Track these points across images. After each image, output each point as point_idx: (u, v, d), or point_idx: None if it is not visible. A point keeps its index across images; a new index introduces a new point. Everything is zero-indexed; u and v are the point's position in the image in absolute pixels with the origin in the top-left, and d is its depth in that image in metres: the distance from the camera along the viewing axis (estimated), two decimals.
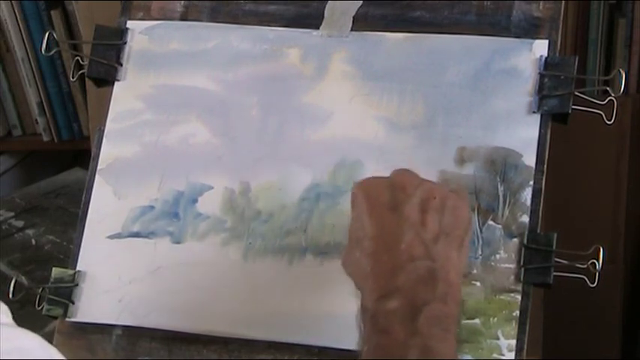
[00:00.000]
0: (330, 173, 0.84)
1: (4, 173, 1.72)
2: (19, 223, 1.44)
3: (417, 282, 0.63)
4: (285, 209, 0.84)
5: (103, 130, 0.90)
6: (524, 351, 0.76)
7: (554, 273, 0.78)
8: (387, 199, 0.67)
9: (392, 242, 0.65)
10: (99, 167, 0.89)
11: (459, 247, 0.68)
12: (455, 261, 0.67)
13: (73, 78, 0.98)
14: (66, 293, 0.85)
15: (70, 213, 1.43)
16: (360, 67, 0.86)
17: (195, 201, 0.86)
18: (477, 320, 0.78)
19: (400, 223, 0.66)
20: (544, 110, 0.82)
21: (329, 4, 0.89)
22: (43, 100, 1.60)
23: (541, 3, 0.85)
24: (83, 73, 0.93)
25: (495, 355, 0.76)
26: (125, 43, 0.91)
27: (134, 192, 0.87)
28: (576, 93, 0.81)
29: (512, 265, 0.79)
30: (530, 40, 0.84)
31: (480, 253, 0.80)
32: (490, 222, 0.80)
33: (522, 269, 0.78)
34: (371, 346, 0.62)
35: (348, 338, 0.78)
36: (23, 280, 1.24)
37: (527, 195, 0.80)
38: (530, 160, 0.81)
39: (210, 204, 0.85)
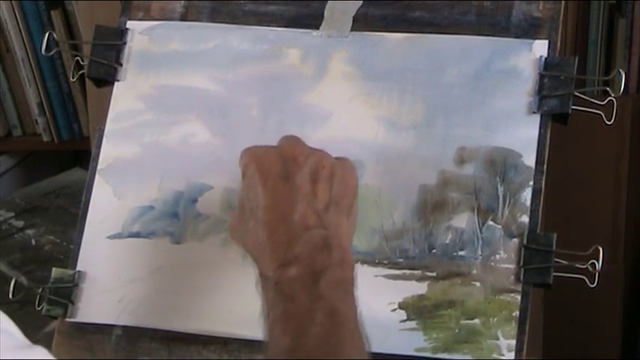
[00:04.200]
0: None
1: (4, 173, 1.72)
2: (19, 223, 1.44)
3: (314, 250, 0.67)
4: None
5: (103, 130, 0.90)
6: (524, 351, 0.76)
7: (554, 273, 0.78)
8: (279, 170, 0.70)
9: (286, 213, 0.68)
10: (99, 167, 0.89)
11: (347, 214, 0.71)
12: (345, 228, 0.70)
13: (73, 78, 0.98)
14: (66, 293, 0.85)
15: (70, 213, 1.43)
16: (360, 67, 0.86)
17: (195, 201, 0.86)
18: (476, 320, 0.78)
19: (293, 194, 0.69)
20: (544, 110, 0.82)
21: (329, 4, 0.89)
22: (43, 100, 1.60)
23: (541, 3, 0.85)
24: (83, 73, 0.93)
25: (495, 356, 0.77)
26: (125, 43, 0.91)
27: (134, 192, 0.87)
28: (576, 93, 0.81)
29: (512, 266, 0.79)
30: (530, 41, 0.84)
31: (479, 253, 0.80)
32: (490, 222, 0.80)
33: (522, 269, 0.78)
34: (278, 313, 0.65)
35: None
36: (23, 280, 1.24)
37: (527, 195, 0.80)
38: (530, 160, 0.81)
39: (210, 204, 0.85)
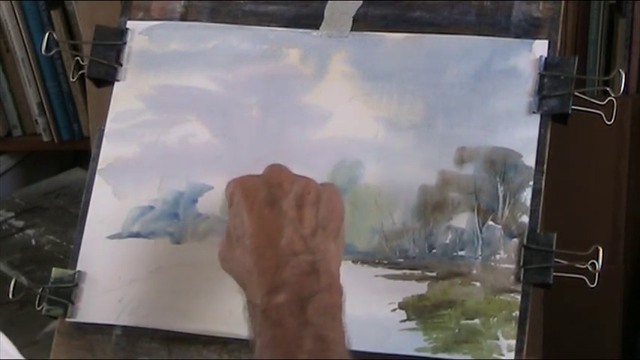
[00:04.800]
0: (330, 173, 0.84)
1: (4, 173, 1.72)
2: (19, 223, 1.44)
3: (301, 275, 0.66)
4: None
5: (103, 130, 0.90)
6: (524, 351, 0.76)
7: (554, 273, 0.78)
8: (265, 196, 0.70)
9: (273, 238, 0.68)
10: (99, 167, 0.89)
11: (335, 238, 0.71)
12: (333, 252, 0.70)
13: (73, 78, 0.98)
14: (66, 293, 0.85)
15: (70, 213, 1.43)
16: (360, 67, 0.86)
17: (195, 201, 0.86)
18: (476, 320, 0.78)
19: (279, 220, 0.68)
20: (544, 110, 0.82)
21: (329, 4, 0.89)
22: (43, 100, 1.60)
23: (541, 3, 0.85)
24: (83, 73, 0.93)
25: (495, 356, 0.77)
26: (125, 43, 0.91)
27: (134, 192, 0.87)
28: (576, 93, 0.81)
29: (512, 266, 0.79)
30: (530, 41, 0.84)
31: (479, 253, 0.80)
32: (490, 222, 0.80)
33: (522, 269, 0.78)
34: (265, 339, 0.65)
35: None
36: (23, 280, 1.24)
37: (527, 195, 0.80)
38: (530, 160, 0.81)
39: (210, 204, 0.85)
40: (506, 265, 0.79)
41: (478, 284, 0.79)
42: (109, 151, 0.89)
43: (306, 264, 0.67)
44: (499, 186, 0.81)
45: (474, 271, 0.79)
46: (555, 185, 0.87)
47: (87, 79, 0.94)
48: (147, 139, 0.89)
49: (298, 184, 0.71)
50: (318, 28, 0.89)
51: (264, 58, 0.89)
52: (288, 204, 0.69)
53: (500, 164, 0.81)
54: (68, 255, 0.88)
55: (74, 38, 1.54)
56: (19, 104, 1.62)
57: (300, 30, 0.89)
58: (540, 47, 0.83)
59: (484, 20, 0.86)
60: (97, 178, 0.88)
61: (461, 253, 0.80)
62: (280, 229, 0.68)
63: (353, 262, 0.81)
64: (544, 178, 0.80)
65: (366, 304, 0.79)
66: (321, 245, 0.69)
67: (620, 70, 0.81)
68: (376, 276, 0.81)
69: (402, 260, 0.81)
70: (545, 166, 0.81)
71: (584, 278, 0.77)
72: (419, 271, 0.80)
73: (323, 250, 0.69)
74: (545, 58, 0.83)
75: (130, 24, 0.92)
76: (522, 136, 0.81)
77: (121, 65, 0.91)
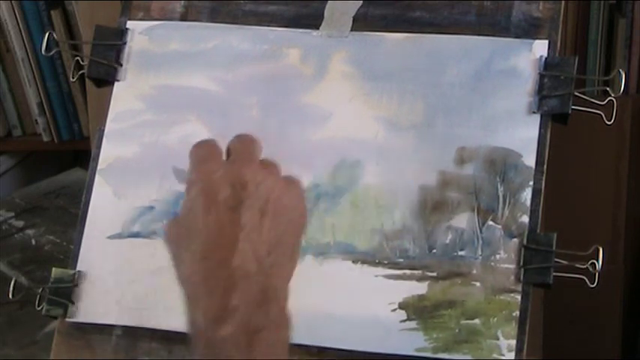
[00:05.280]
0: (330, 173, 0.84)
1: (4, 173, 1.72)
2: (19, 223, 1.44)
3: (251, 304, 0.62)
4: None
5: (103, 130, 0.90)
6: (524, 351, 0.76)
7: (554, 273, 0.78)
8: (227, 197, 0.65)
9: (225, 255, 0.63)
10: (99, 167, 0.89)
11: (291, 255, 0.67)
12: (286, 271, 0.66)
13: (73, 78, 0.98)
14: (66, 293, 0.85)
15: (70, 213, 1.43)
16: (360, 67, 0.87)
17: None
18: (476, 320, 0.78)
19: (235, 231, 0.64)
20: (544, 110, 0.82)
21: (329, 4, 0.89)
22: (43, 100, 1.60)
23: (541, 3, 0.85)
24: (83, 73, 0.93)
25: (495, 356, 0.77)
26: (125, 43, 0.92)
27: (134, 192, 0.87)
28: (576, 93, 0.81)
29: (512, 266, 0.79)
30: (530, 41, 0.84)
31: (479, 253, 0.80)
32: (490, 222, 0.80)
33: (522, 269, 0.78)
34: None
35: (348, 338, 0.78)
36: (23, 280, 1.24)
37: (527, 195, 0.80)
38: (530, 160, 0.81)
39: None
40: (506, 265, 0.79)
41: (478, 284, 0.79)
42: (109, 151, 0.89)
43: (258, 291, 0.63)
44: (499, 186, 0.81)
45: (474, 271, 0.79)
46: (555, 185, 0.87)
47: (87, 79, 0.93)
48: (147, 139, 0.89)
49: (264, 187, 0.66)
50: (318, 28, 0.89)
51: (264, 58, 0.89)
52: (248, 211, 0.65)
53: (500, 164, 0.81)
54: (68, 255, 0.88)
55: (74, 38, 1.54)
56: (19, 104, 1.62)
57: (300, 30, 0.89)
58: (540, 47, 0.83)
59: (484, 20, 0.86)
60: (97, 178, 0.88)
61: (461, 253, 0.80)
62: (234, 244, 0.64)
63: (353, 262, 0.81)
64: (544, 178, 0.80)
65: (366, 304, 0.79)
66: (275, 264, 0.65)
67: (620, 70, 0.81)
68: (376, 276, 0.81)
69: (402, 260, 0.81)
70: (545, 166, 0.81)
71: (584, 278, 0.77)
72: (419, 271, 0.80)
73: (277, 270, 0.65)
74: (545, 58, 0.83)
75: (130, 24, 0.92)
76: (522, 136, 0.81)
77: (121, 65, 0.91)
